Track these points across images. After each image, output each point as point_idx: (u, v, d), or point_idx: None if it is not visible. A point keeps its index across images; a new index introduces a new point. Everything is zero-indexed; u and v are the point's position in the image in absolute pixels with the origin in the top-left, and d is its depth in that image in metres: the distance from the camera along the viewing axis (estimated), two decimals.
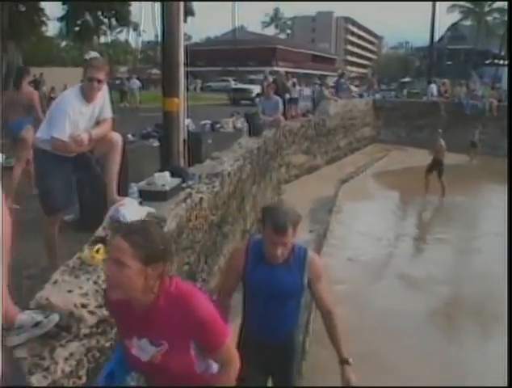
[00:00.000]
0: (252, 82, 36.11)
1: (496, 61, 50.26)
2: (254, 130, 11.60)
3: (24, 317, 2.82)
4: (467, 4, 58.61)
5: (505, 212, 12.24)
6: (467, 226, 12.51)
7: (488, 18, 58.52)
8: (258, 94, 33.11)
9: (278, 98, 13.50)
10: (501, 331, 6.69)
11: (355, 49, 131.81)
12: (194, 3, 25.82)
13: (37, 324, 2.82)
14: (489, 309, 7.45)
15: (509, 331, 5.95)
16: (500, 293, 7.84)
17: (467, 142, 21.30)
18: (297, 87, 21.29)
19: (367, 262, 9.39)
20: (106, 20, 29.45)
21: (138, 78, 32.61)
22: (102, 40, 57.27)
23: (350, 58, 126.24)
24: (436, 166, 14.41)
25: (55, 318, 2.86)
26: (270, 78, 19.09)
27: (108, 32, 49.70)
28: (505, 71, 45.66)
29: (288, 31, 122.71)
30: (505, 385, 4.30)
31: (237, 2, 64.96)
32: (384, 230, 11.48)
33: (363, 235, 11.19)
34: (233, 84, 39.66)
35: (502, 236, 10.84)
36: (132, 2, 28.43)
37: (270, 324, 3.19)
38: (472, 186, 16.89)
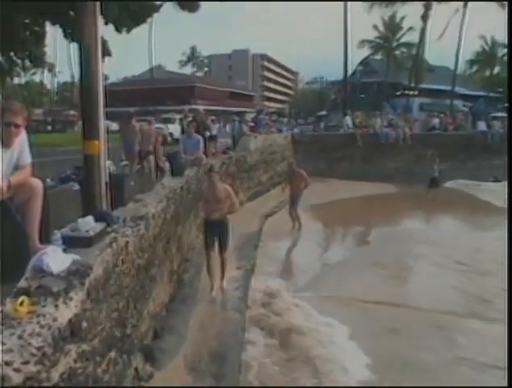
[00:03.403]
0: (167, 120, 35.77)
1: (406, 92, 52.54)
2: (176, 170, 11.56)
3: None
4: (377, 40, 61.41)
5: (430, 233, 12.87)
6: (395, 253, 12.81)
7: (397, 52, 61.51)
8: (169, 134, 33.06)
9: (199, 136, 13.56)
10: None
11: (272, 85, 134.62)
12: (110, 43, 25.62)
13: None
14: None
15: (509, 331, 6.11)
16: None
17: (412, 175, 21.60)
18: (216, 125, 21.47)
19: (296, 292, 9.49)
20: (19, 61, 28.65)
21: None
22: (16, 81, 55.98)
23: (267, 94, 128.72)
24: None
25: None
26: (190, 117, 19.15)
27: (22, 73, 48.60)
28: (415, 102, 48.00)
29: (206, 69, 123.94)
30: (506, 385, 4.41)
31: (153, 42, 65.29)
32: (310, 261, 11.64)
33: (290, 268, 11.31)
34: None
35: (425, 256, 11.42)
36: (47, 43, 27.87)
37: None
38: (397, 214, 17.47)
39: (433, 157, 20.87)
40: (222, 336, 7.13)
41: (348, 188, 20.91)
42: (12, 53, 26.81)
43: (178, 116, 35.04)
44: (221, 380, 5.85)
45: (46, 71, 65.65)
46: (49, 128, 53.51)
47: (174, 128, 33.04)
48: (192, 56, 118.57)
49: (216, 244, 9.17)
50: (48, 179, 12.65)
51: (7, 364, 2.84)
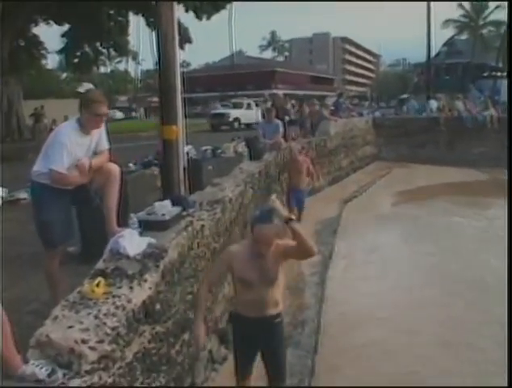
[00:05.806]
0: (235, 105, 35.70)
1: (493, 73, 50.29)
2: (255, 154, 11.62)
3: (28, 371, 2.80)
4: (462, 18, 59.09)
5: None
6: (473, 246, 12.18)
7: (484, 31, 58.96)
8: (235, 119, 32.86)
9: (278, 121, 13.52)
10: None
11: (353, 68, 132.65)
12: (191, 31, 26.02)
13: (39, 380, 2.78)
14: None
15: (509, 332, 5.89)
16: None
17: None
18: (296, 109, 21.38)
19: (374, 281, 9.30)
20: (105, 51, 29.65)
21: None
22: (102, 70, 57.96)
23: (348, 77, 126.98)
24: None
25: (58, 377, 2.79)
26: (269, 101, 19.16)
27: (107, 63, 50.16)
28: (503, 83, 45.90)
29: (286, 54, 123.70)
30: (506, 385, 4.26)
31: (234, 28, 65.72)
32: (390, 250, 11.36)
33: (368, 255, 11.08)
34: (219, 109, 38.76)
35: None
36: (131, 32, 28.66)
37: None
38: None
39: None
40: (297, 322, 7.12)
41: (434, 174, 20.18)
42: (98, 43, 27.78)
43: (246, 101, 35.01)
44: (293, 367, 5.83)
45: (130, 59, 67.41)
46: (134, 114, 55.25)
47: (241, 113, 32.86)
48: (272, 41, 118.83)
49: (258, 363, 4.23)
50: (131, 164, 13.10)
51: (83, 342, 2.94)
